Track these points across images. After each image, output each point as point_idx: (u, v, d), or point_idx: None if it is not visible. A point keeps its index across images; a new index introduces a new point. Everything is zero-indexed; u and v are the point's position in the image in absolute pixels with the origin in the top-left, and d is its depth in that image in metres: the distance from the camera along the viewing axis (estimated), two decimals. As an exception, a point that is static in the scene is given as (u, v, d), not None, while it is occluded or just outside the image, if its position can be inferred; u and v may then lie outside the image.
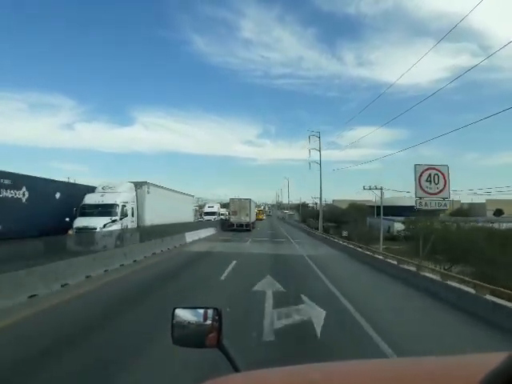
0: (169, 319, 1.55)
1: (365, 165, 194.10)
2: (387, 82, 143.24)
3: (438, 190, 14.12)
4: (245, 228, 38.21)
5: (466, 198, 75.13)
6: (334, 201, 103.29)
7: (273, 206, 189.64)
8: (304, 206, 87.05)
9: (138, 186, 21.83)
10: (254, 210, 50.75)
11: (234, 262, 15.34)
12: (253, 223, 42.59)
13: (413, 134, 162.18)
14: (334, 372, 0.90)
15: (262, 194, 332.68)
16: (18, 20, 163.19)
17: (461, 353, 0.91)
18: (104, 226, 17.99)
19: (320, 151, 40.79)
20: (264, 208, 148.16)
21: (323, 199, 79.20)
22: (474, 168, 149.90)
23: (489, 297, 8.12)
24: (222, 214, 60.13)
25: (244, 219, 39.19)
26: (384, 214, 64.91)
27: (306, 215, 79.45)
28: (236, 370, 1.38)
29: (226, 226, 39.71)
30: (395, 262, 14.28)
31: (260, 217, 72.28)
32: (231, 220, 39.83)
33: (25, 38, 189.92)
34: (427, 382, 0.76)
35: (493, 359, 0.57)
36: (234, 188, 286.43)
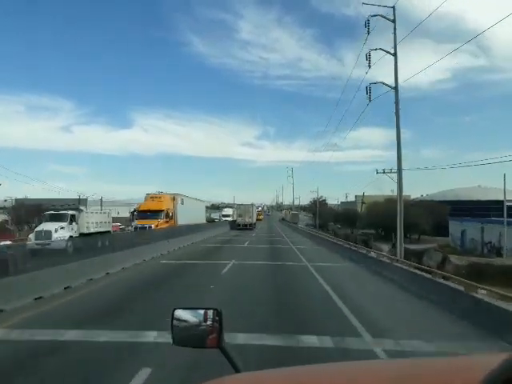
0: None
1: (363, 165, 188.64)
2: (388, 83, 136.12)
3: None
4: (248, 227, 47.07)
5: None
6: (356, 197, 79.45)
7: (272, 206, 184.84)
8: (322, 203, 62.08)
9: None
10: (256, 213, 59.61)
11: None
12: (254, 223, 51.35)
13: (414, 134, 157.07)
14: (334, 372, 0.89)
15: (261, 195, 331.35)
16: (16, 22, 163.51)
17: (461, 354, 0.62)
18: None
19: (396, 64, 17.03)
20: (263, 208, 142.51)
21: (337, 198, 59.31)
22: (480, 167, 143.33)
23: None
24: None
25: (248, 220, 48.50)
26: (456, 214, 40.96)
27: (325, 217, 55.36)
28: (236, 370, 1.36)
29: (234, 225, 48.45)
30: None
31: (259, 217, 77.90)
32: (237, 221, 48.77)
33: (23, 41, 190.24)
34: (428, 383, 0.74)
35: (493, 360, 0.56)
36: (232, 190, 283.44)
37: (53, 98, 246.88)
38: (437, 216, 37.93)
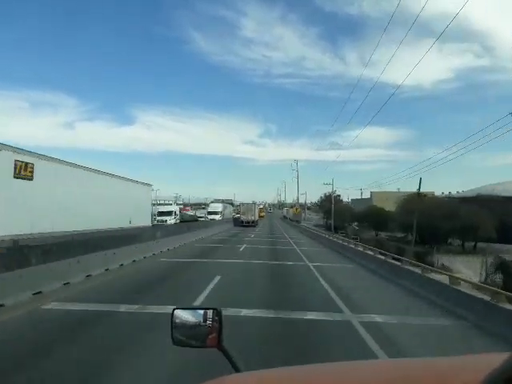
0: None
1: (366, 165, 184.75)
2: (391, 83, 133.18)
3: None
4: (251, 224, 47.91)
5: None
6: (372, 193, 69.75)
7: (273, 204, 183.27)
8: (337, 199, 52.06)
9: None
10: (258, 211, 58.39)
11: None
12: (257, 221, 52.65)
13: (416, 134, 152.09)
14: (335, 372, 0.88)
15: (263, 193, 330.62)
16: (18, 18, 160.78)
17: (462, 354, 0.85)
18: None
19: None
20: (265, 205, 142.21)
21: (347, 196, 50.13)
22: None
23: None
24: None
25: (250, 218, 49.13)
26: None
27: (340, 217, 45.61)
28: (236, 370, 1.36)
29: (238, 222, 49.21)
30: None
31: (261, 215, 77.61)
32: (241, 218, 49.65)
33: (26, 37, 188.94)
34: (428, 383, 0.72)
35: (494, 360, 0.56)
36: (234, 187, 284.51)
37: (56, 95, 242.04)
38: (502, 216, 28.20)
